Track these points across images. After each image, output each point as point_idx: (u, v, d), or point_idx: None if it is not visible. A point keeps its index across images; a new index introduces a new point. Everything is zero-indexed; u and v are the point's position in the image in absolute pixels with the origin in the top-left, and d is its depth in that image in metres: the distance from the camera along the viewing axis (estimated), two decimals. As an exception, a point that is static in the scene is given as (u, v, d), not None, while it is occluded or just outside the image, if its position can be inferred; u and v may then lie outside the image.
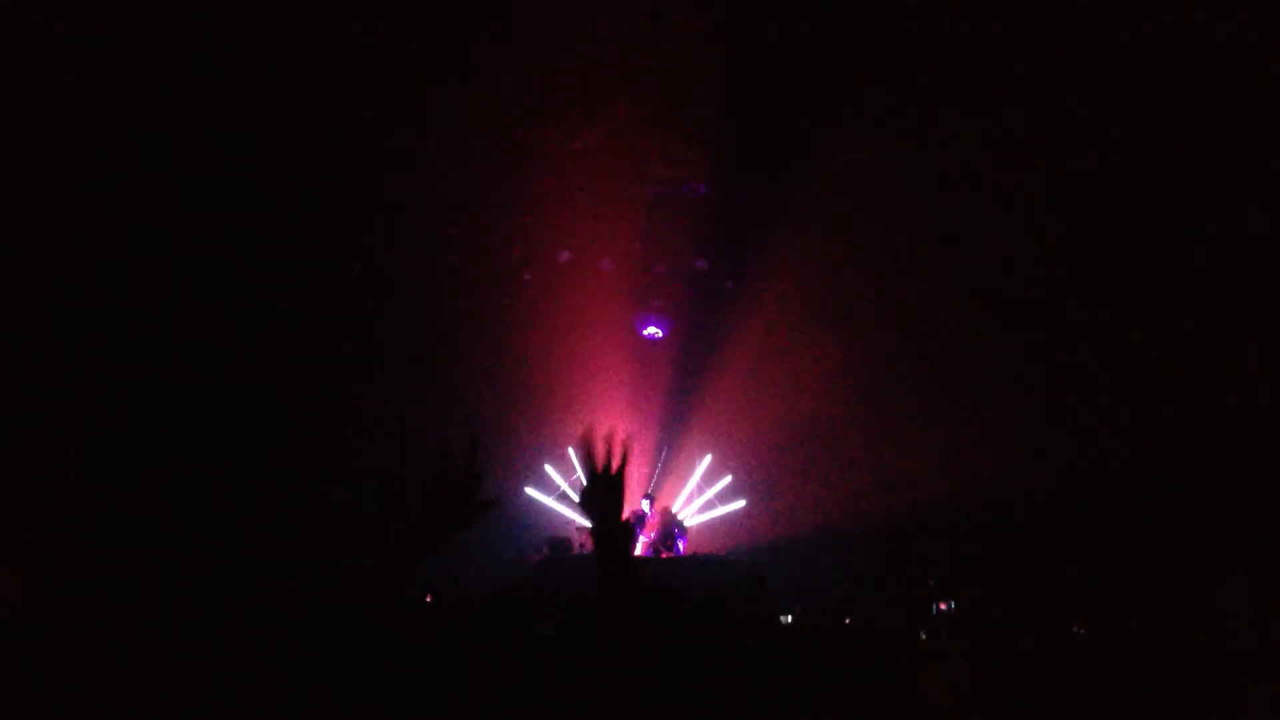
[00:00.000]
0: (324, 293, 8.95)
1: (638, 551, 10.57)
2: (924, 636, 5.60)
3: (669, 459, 12.12)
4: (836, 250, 10.81)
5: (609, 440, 2.13)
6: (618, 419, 11.92)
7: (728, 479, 11.94)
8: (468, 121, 8.62)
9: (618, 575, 2.04)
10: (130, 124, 7.22)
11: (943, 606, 7.97)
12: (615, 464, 2.12)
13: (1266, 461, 8.04)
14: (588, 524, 2.41)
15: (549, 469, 11.63)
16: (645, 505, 11.10)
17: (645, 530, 10.73)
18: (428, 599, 7.36)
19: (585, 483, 2.15)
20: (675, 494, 12.09)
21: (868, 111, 9.12)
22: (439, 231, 9.46)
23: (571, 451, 11.73)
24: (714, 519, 11.92)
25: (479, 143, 9.12)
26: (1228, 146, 8.05)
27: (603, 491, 2.11)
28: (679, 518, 11.38)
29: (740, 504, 11.82)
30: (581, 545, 10.20)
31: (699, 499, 12.04)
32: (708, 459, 12.05)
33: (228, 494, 7.87)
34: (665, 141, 9.91)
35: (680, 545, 10.71)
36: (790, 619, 5.58)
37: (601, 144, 9.76)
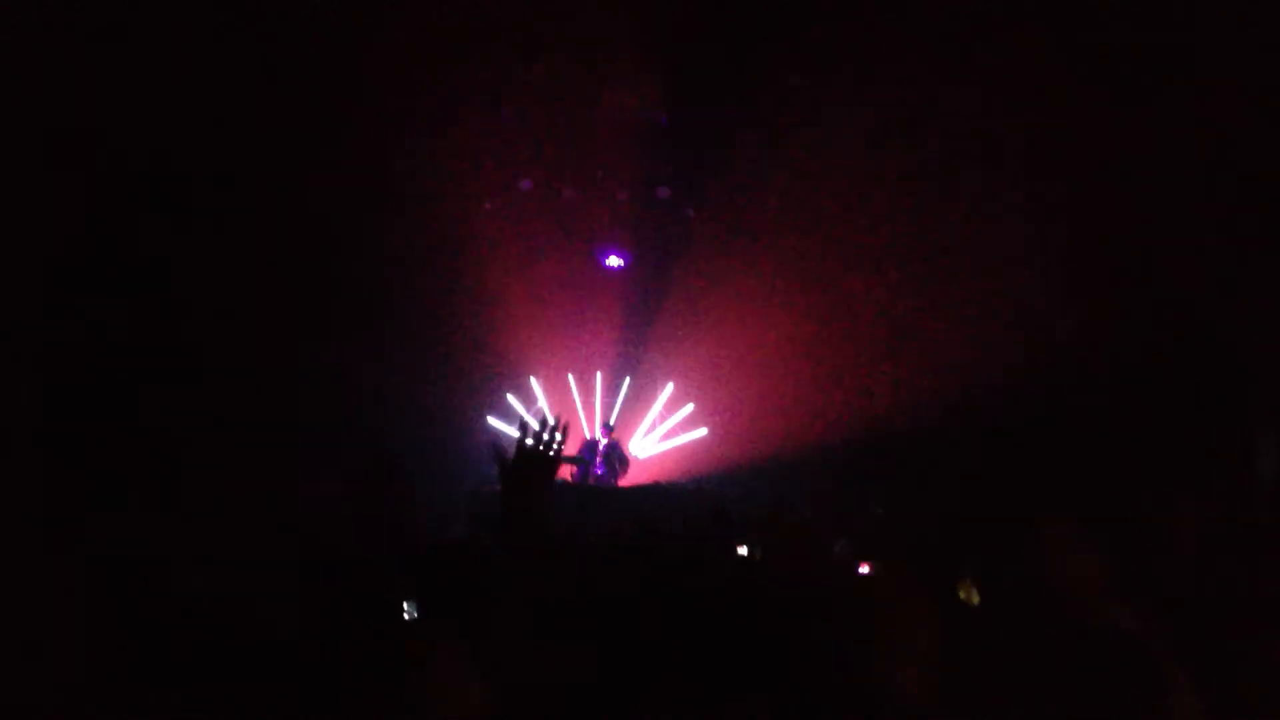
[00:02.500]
0: (268, 223, 8.68)
1: (593, 481, 10.69)
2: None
3: (631, 388, 12.16)
4: (799, 177, 10.70)
5: (550, 425, 2.09)
6: (580, 348, 11.90)
7: (690, 407, 12.01)
8: (419, 46, 8.30)
9: (521, 550, 2.02)
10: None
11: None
12: (547, 446, 2.08)
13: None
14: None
15: (510, 398, 11.63)
16: (602, 436, 11.18)
17: (597, 462, 10.89)
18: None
19: (511, 458, 2.11)
20: (637, 423, 12.16)
21: (832, 33, 8.90)
22: (395, 159, 9.18)
23: (533, 381, 11.71)
24: (676, 447, 12.04)
25: (435, 69, 8.80)
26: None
27: (525, 468, 2.07)
28: (626, 448, 11.57)
29: (702, 432, 11.92)
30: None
31: (661, 427, 12.14)
32: (669, 388, 12.10)
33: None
34: (626, 65, 9.66)
35: (615, 470, 10.93)
36: (746, 550, 5.66)
37: (562, 68, 9.50)
